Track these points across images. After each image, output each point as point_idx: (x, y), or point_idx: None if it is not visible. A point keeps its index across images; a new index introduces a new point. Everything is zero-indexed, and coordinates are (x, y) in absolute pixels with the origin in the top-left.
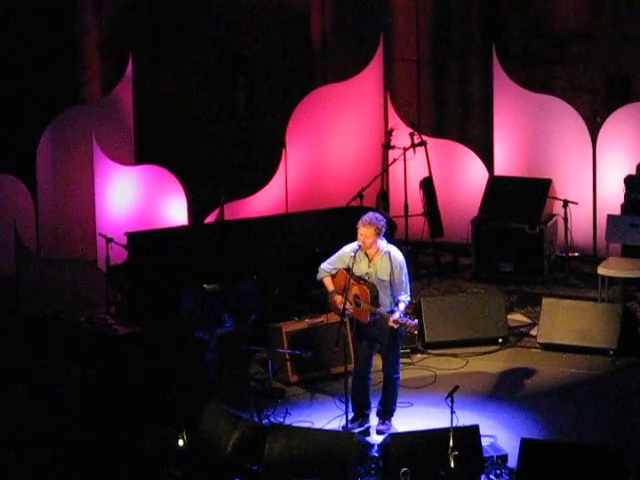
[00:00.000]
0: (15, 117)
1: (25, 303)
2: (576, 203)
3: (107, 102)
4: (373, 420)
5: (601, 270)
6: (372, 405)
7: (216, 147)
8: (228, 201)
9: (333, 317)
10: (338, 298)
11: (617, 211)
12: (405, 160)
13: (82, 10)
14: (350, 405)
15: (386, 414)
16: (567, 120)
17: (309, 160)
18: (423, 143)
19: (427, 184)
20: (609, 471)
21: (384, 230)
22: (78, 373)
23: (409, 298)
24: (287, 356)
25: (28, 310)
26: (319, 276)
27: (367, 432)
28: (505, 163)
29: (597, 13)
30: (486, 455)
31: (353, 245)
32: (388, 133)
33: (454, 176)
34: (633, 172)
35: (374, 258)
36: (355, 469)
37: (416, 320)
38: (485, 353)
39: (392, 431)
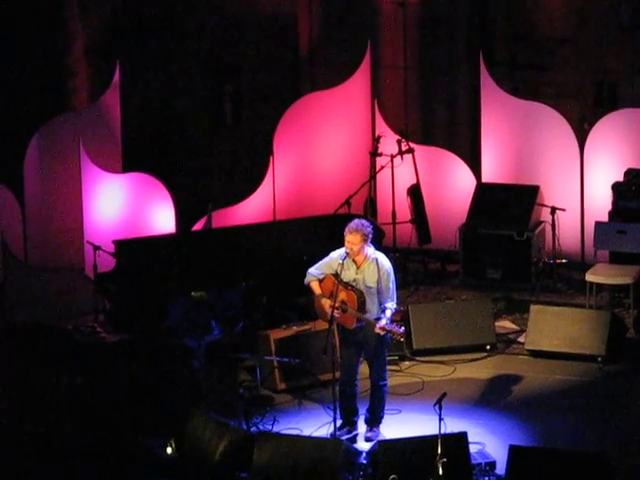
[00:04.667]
0: (2, 125)
1: (13, 311)
2: (564, 210)
3: (94, 110)
4: (361, 427)
5: (589, 277)
6: (360, 412)
7: (203, 155)
8: (216, 209)
9: (321, 324)
10: (325, 302)
11: (605, 218)
12: (393, 167)
13: (69, 17)
14: (338, 412)
15: (374, 421)
16: (555, 127)
17: (297, 168)
18: (411, 150)
19: (415, 191)
20: (596, 478)
21: (371, 236)
22: (66, 381)
23: (395, 305)
24: (275, 363)
25: (16, 318)
26: (307, 280)
27: (355, 439)
28: (493, 170)
29: (584, 19)
30: (474, 462)
31: (341, 251)
32: (376, 140)
33: (442, 183)
34: (621, 179)
35: (362, 265)
36: (343, 476)
37: (403, 327)
38: (473, 360)
39: (380, 438)
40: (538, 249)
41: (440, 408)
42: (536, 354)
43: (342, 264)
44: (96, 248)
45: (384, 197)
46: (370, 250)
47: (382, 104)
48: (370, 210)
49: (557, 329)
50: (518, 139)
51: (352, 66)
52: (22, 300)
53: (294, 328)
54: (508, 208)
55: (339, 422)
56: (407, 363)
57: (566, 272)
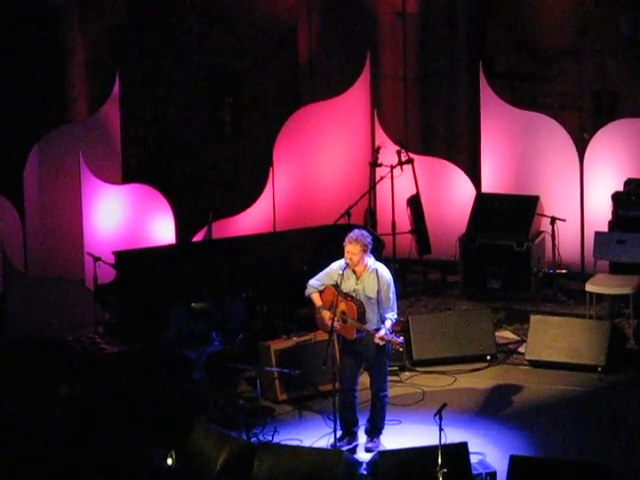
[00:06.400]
0: (2, 136)
1: (13, 323)
2: (564, 220)
3: (94, 121)
4: (362, 438)
5: (589, 287)
6: (360, 422)
7: (203, 165)
8: (216, 219)
9: (321, 335)
10: (326, 314)
11: (605, 228)
12: (392, 178)
13: (69, 29)
14: (338, 423)
15: (374, 432)
16: (554, 137)
17: (296, 178)
18: (410, 161)
19: (414, 202)
20: None
21: (370, 247)
22: (66, 392)
23: (396, 316)
24: (275, 374)
25: (16, 330)
26: (307, 292)
27: (355, 450)
28: (492, 180)
29: (584, 29)
30: (475, 472)
31: (341, 262)
32: (375, 151)
33: (441, 194)
34: (621, 188)
35: (362, 275)
36: None
37: (402, 337)
38: (473, 370)
39: (380, 449)
40: (538, 259)
41: (440, 418)
42: (536, 364)
43: (342, 275)
44: (96, 259)
45: (384, 208)
46: (370, 261)
47: (382, 115)
48: (370, 221)
49: (557, 339)
50: (518, 149)
51: (352, 77)
52: (22, 311)
53: (294, 339)
54: (508, 218)
55: (339, 433)
56: (407, 374)
57: (566, 282)
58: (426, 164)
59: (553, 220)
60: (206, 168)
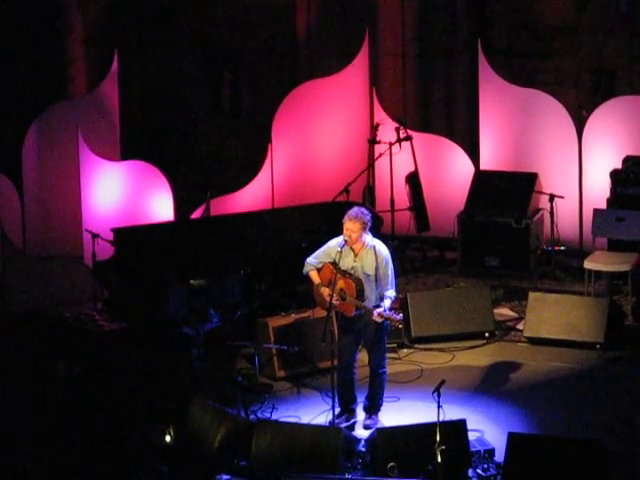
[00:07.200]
0: (0, 113)
1: (11, 300)
2: (562, 197)
3: (93, 97)
4: (360, 415)
5: (587, 264)
6: (358, 400)
7: (202, 142)
8: (214, 196)
9: (320, 312)
10: (324, 290)
11: (603, 205)
12: (391, 155)
13: (68, 5)
14: (337, 400)
15: (373, 409)
16: (553, 114)
17: (295, 155)
18: (409, 138)
19: (413, 179)
20: (594, 465)
21: (370, 224)
22: (64, 369)
23: (395, 293)
24: (274, 351)
25: (14, 307)
26: (305, 270)
27: (354, 427)
28: (491, 157)
29: (582, 7)
30: (473, 449)
31: (339, 239)
32: (374, 128)
33: (440, 171)
34: (619, 166)
35: (360, 252)
36: (342, 464)
37: (401, 314)
38: (472, 347)
39: (379, 426)
40: (536, 236)
41: (439, 395)
42: (534, 341)
43: (340, 252)
44: (95, 236)
45: (382, 184)
46: (368, 238)
47: (380, 92)
48: (368, 198)
49: (555, 316)
50: (516, 126)
51: (350, 54)
52: (20, 289)
53: (293, 316)
54: (506, 195)
55: (338, 410)
56: (406, 351)
57: (564, 259)
58: (425, 141)
59: (552, 197)
60: (205, 145)
